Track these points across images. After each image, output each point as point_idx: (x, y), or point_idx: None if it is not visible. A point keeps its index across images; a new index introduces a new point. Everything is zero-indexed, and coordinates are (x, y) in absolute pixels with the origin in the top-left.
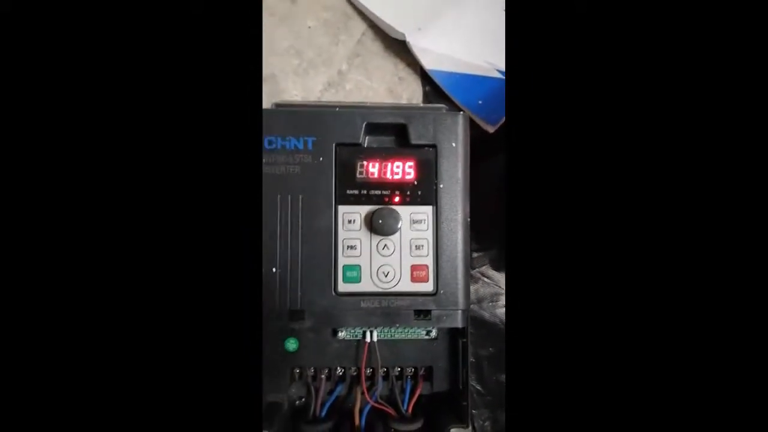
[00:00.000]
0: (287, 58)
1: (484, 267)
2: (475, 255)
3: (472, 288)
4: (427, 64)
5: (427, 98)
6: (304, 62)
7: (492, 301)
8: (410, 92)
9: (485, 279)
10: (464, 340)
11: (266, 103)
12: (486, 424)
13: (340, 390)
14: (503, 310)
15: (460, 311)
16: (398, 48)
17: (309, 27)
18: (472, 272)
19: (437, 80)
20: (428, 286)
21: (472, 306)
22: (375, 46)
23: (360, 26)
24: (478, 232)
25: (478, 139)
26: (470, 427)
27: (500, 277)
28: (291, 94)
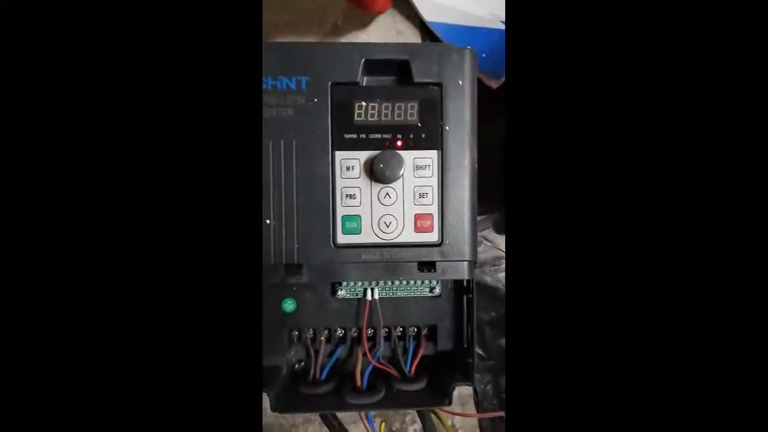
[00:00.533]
0: (279, 14)
1: (486, 230)
2: (478, 218)
3: None
4: (427, 15)
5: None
6: (296, 17)
7: (494, 265)
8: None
9: (487, 242)
10: (470, 295)
11: None
12: (487, 388)
13: (341, 351)
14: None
15: (466, 262)
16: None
17: None
18: None
19: (437, 33)
20: (433, 237)
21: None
22: None
23: None
24: (481, 195)
25: (480, 97)
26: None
27: (503, 241)
28: None
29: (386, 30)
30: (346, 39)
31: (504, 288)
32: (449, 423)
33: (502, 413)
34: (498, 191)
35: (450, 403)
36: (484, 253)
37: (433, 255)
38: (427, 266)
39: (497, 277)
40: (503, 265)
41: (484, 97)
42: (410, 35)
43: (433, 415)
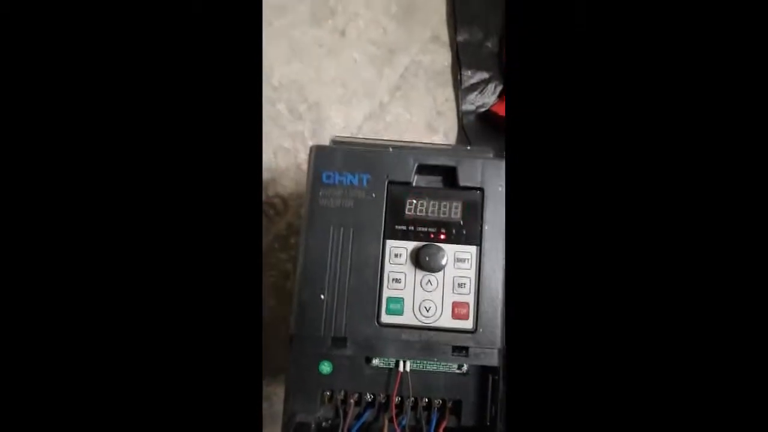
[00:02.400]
0: (333, 88)
1: None
2: None
3: None
4: None
5: (463, 131)
6: (348, 92)
7: None
8: (447, 126)
9: None
10: (496, 377)
11: (324, 138)
12: None
13: (368, 415)
14: None
15: (497, 350)
16: (438, 82)
17: (355, 60)
18: None
19: None
20: (468, 324)
21: None
22: (416, 81)
23: (404, 60)
24: None
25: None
26: None
27: None
28: (333, 122)
29: (427, 111)
30: (390, 117)
31: None
32: None
33: None
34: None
35: None
36: None
37: (467, 341)
38: (461, 350)
39: None
40: None
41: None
42: (449, 117)
43: None
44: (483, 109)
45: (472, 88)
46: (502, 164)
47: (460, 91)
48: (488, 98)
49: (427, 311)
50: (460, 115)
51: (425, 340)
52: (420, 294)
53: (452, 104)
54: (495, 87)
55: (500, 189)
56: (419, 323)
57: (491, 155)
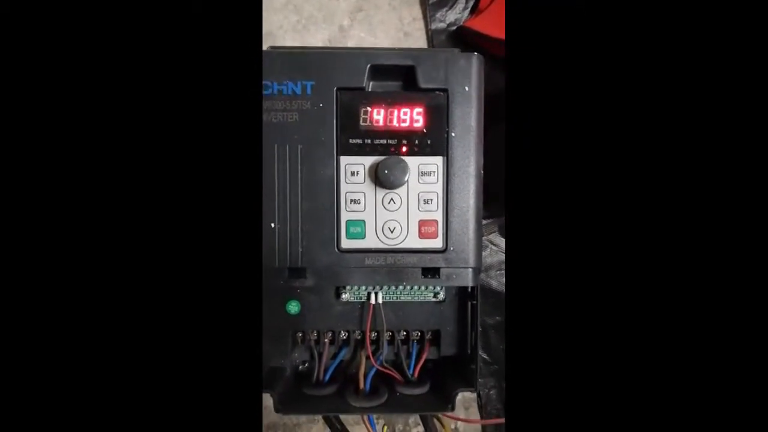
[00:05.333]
0: (285, 14)
1: (492, 234)
2: (483, 222)
3: None
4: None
5: None
6: (303, 18)
7: (500, 270)
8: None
9: (493, 246)
10: (474, 301)
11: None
12: (491, 393)
13: (344, 354)
14: None
15: (470, 269)
16: (403, 0)
17: None
18: None
19: None
20: (437, 243)
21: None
22: (377, 1)
23: None
24: (487, 198)
25: (489, 98)
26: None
27: None
28: None
29: (393, 32)
30: (352, 41)
31: None
32: (452, 427)
33: (503, 421)
34: (504, 194)
35: (452, 409)
36: (490, 257)
37: (438, 261)
38: (431, 272)
39: (503, 281)
40: None
41: (493, 97)
42: (418, 37)
43: (435, 420)
44: (455, 26)
45: (441, 3)
46: (471, 59)
47: (428, 6)
48: (460, 14)
49: (392, 232)
50: (430, 35)
51: (391, 263)
52: (382, 214)
53: (420, 23)
54: (467, 0)
55: (467, 88)
56: (384, 246)
57: (457, 51)
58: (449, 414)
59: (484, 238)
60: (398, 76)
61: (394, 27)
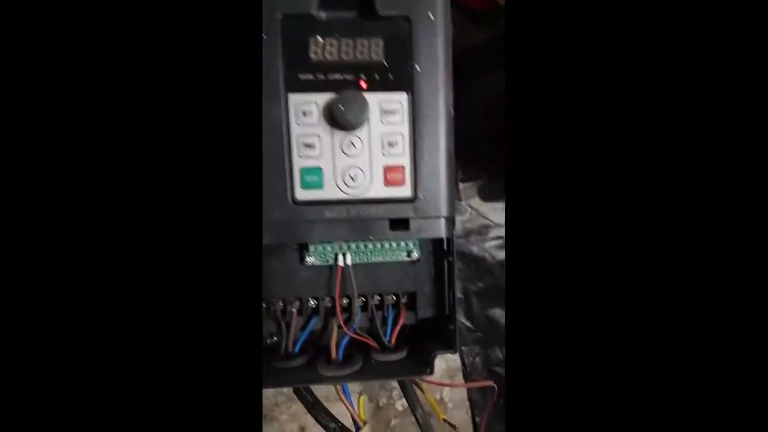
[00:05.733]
0: None
1: (472, 199)
2: (462, 186)
3: (459, 220)
4: None
5: None
6: None
7: (480, 234)
8: None
9: (472, 210)
10: (450, 258)
11: None
12: (476, 360)
13: (314, 324)
14: (493, 243)
15: (443, 219)
16: None
17: None
18: (458, 204)
19: None
20: (405, 191)
21: (459, 240)
22: None
23: None
24: (467, 160)
25: (463, 56)
26: (458, 353)
27: (488, 209)
28: None
29: None
30: None
31: (491, 258)
32: (437, 397)
33: (490, 383)
34: (483, 157)
35: (431, 372)
36: (470, 222)
37: (406, 211)
38: (400, 224)
39: (483, 246)
40: (490, 234)
41: (467, 56)
42: None
43: (417, 388)
44: None
45: None
46: None
47: None
48: None
49: (353, 180)
50: None
51: (354, 216)
52: (342, 160)
53: None
54: None
55: (432, 16)
56: (345, 196)
57: None
58: (429, 378)
59: (463, 202)
60: (353, 2)
61: None
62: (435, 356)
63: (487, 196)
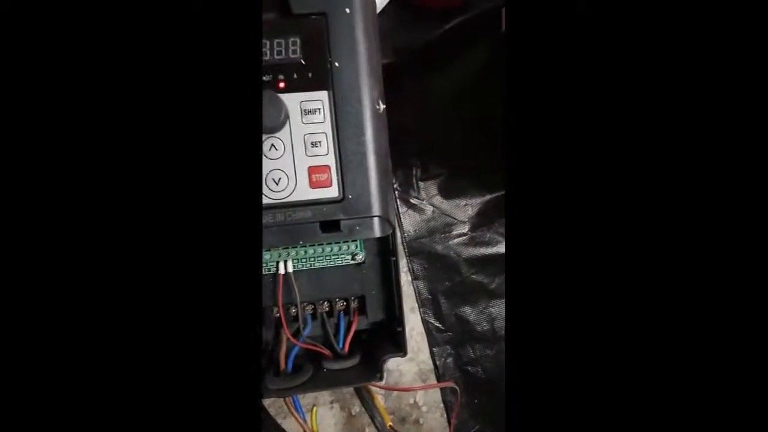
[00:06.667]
0: None
1: (433, 197)
2: (422, 184)
3: (420, 219)
4: None
5: None
6: None
7: (444, 233)
8: None
9: (435, 209)
10: (393, 258)
11: None
12: (448, 360)
13: (264, 336)
14: (457, 240)
15: (376, 218)
16: None
17: None
18: (420, 203)
19: None
20: (332, 191)
21: (422, 240)
22: None
23: None
24: (426, 158)
25: (420, 49)
26: (430, 355)
27: (451, 206)
28: None
29: None
30: None
31: (456, 256)
32: (410, 401)
33: (451, 384)
34: (444, 151)
35: (381, 379)
36: (433, 221)
37: (335, 213)
38: (330, 226)
39: (448, 245)
40: (454, 232)
41: (429, 44)
42: None
43: (368, 395)
44: None
45: None
46: None
47: None
48: None
49: (277, 184)
50: None
51: (281, 221)
52: (264, 163)
53: None
54: None
55: (348, 10)
56: (271, 201)
57: None
58: (378, 384)
59: (424, 201)
60: (270, 4)
61: None
62: (385, 361)
63: (447, 193)
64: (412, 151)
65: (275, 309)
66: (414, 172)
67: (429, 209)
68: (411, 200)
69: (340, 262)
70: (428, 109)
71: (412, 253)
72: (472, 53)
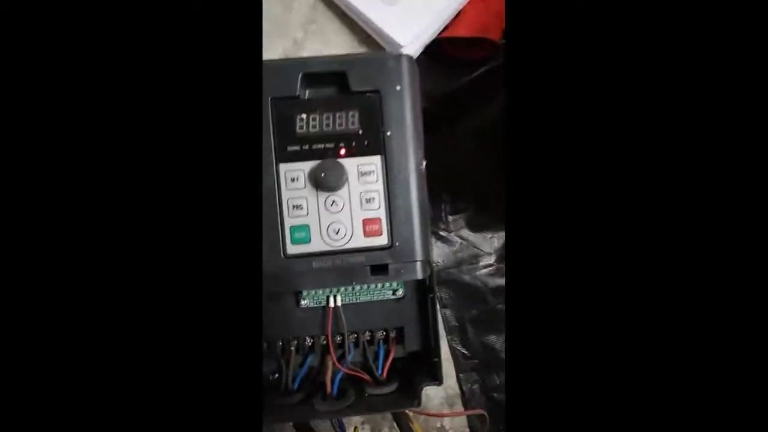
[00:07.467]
0: None
1: (461, 230)
2: (450, 218)
3: (449, 250)
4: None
5: None
6: None
7: (471, 264)
8: None
9: (463, 241)
10: (431, 294)
11: None
12: (474, 387)
13: (311, 361)
14: (484, 271)
15: (418, 262)
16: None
17: None
18: (448, 235)
19: None
20: (382, 240)
21: (450, 270)
22: (330, 12)
23: None
24: (454, 194)
25: (450, 95)
26: (456, 381)
27: (478, 239)
28: None
29: (348, 41)
30: (307, 53)
31: (483, 286)
32: (437, 425)
33: (481, 411)
34: (470, 189)
35: (419, 405)
36: (461, 252)
37: (384, 258)
38: (380, 269)
39: (475, 275)
40: (481, 263)
41: (454, 95)
42: (372, 45)
43: (408, 421)
44: None
45: None
46: (399, 60)
47: None
48: None
49: (336, 234)
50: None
51: (339, 265)
52: (326, 217)
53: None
54: None
55: (398, 88)
56: (330, 248)
57: (386, 53)
58: (416, 409)
59: (452, 233)
60: (332, 82)
61: (349, 36)
62: (422, 388)
63: (475, 226)
64: (441, 188)
65: (323, 337)
66: (443, 207)
67: (457, 241)
68: (440, 232)
69: (382, 297)
70: (457, 149)
71: (440, 282)
72: (497, 98)
